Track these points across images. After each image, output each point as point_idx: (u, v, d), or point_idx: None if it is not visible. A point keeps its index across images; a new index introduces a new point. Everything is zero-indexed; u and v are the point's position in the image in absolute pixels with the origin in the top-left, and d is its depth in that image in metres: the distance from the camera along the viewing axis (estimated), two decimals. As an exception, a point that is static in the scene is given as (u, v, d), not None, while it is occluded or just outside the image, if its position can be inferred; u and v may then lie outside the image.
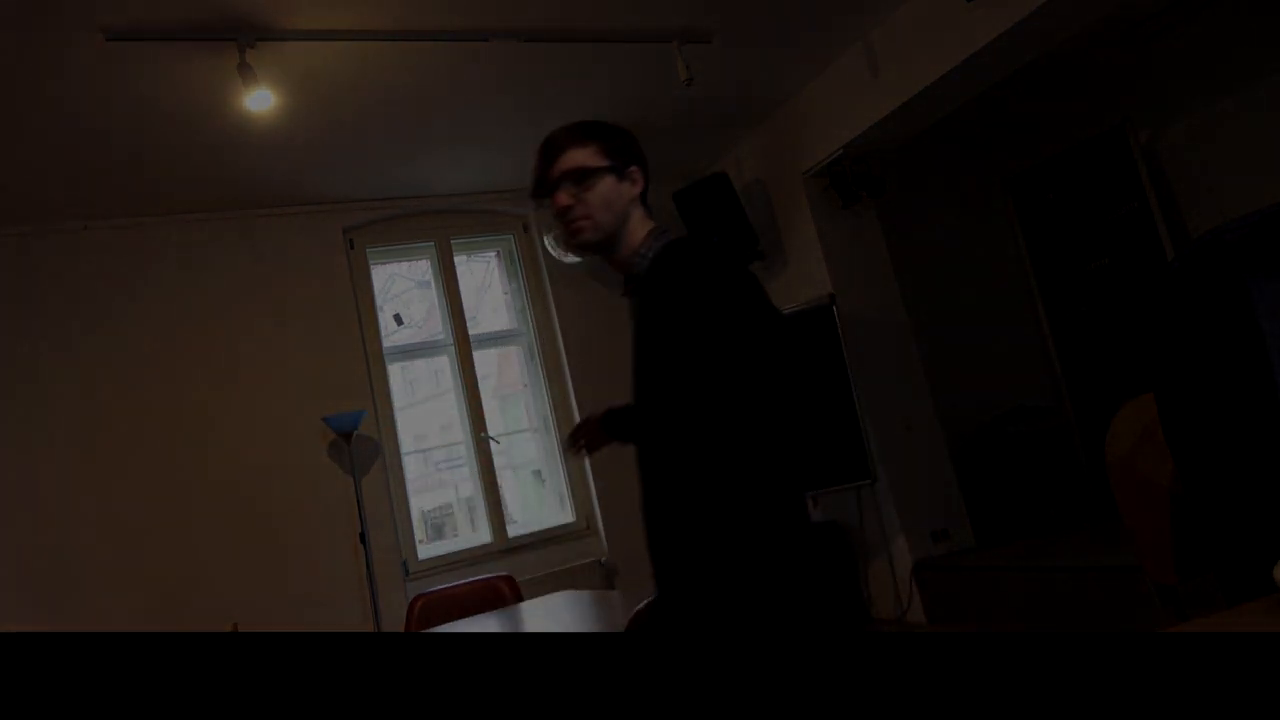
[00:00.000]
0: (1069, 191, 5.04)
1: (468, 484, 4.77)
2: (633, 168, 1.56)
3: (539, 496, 4.98)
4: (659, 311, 1.49)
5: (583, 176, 1.50)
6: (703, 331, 1.41)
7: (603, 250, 1.55)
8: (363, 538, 4.04)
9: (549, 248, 4.72)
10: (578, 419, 4.70)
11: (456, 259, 4.86)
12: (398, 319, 4.88)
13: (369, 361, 4.44)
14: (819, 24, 3.76)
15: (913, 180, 5.12)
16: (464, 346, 4.74)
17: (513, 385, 5.17)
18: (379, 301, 4.69)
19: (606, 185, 1.51)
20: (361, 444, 4.23)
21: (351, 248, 4.57)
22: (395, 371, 4.68)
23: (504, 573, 3.75)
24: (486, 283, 5.23)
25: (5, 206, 3.73)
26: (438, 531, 4.84)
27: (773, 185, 4.76)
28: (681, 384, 1.43)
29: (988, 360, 5.11)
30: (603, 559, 4.55)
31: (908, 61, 3.79)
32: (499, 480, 4.68)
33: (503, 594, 3.51)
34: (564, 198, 1.49)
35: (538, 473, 5.00)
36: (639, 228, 1.55)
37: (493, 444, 4.64)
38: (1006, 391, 5.10)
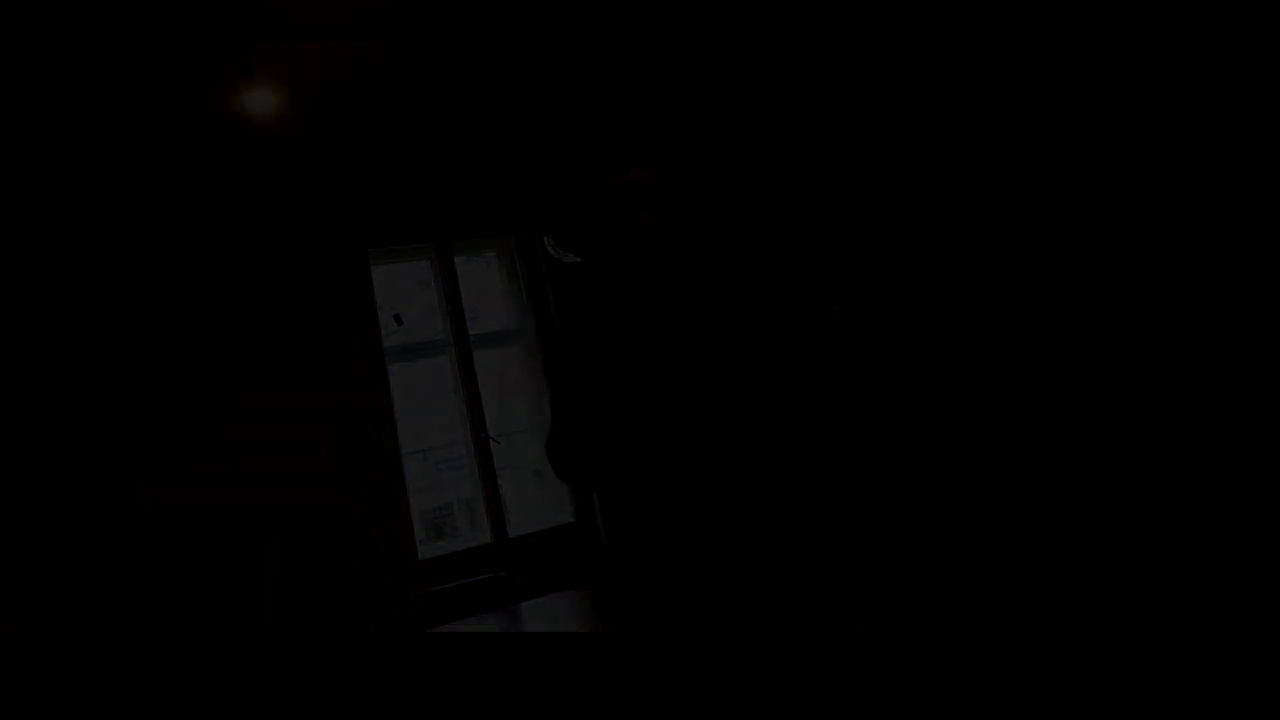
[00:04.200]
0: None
1: (468, 484, 4.77)
2: None
3: (539, 496, 4.98)
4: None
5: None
6: None
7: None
8: (363, 538, 4.04)
9: (549, 248, 4.72)
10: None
11: (456, 259, 4.86)
12: (398, 319, 4.87)
13: (369, 361, 4.44)
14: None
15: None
16: (464, 346, 4.73)
17: (513, 385, 5.17)
18: (379, 301, 4.68)
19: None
20: (362, 444, 4.23)
21: (352, 247, 4.57)
22: (395, 371, 4.68)
23: (504, 573, 3.76)
24: (487, 283, 5.23)
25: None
26: (438, 531, 4.84)
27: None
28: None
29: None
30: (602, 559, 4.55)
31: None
32: (499, 480, 4.68)
33: (503, 594, 3.51)
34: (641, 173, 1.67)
35: (538, 473, 5.00)
36: None
37: (493, 444, 4.64)
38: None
